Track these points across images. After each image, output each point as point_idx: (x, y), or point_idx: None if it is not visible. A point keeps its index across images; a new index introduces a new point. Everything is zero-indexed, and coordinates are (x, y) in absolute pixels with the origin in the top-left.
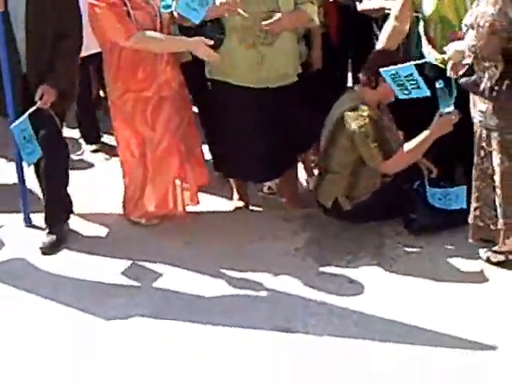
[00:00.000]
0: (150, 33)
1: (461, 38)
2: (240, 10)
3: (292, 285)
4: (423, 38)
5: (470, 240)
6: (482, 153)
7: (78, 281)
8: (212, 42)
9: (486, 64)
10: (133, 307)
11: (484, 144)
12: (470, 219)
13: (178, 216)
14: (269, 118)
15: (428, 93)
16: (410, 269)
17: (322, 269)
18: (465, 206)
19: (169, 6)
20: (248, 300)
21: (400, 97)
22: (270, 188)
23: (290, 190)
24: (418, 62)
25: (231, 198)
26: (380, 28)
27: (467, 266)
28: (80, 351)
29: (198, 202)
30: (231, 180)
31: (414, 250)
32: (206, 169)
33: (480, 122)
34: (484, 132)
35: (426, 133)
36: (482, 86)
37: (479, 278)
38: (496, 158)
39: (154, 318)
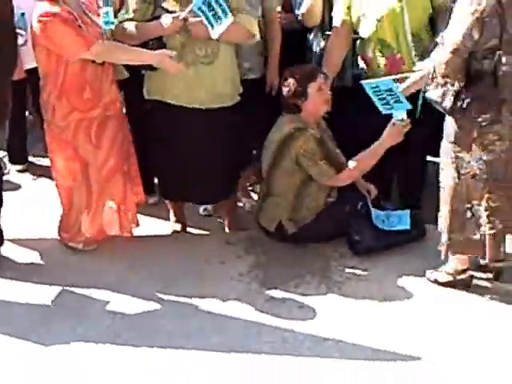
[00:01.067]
0: (114, 42)
1: (399, 64)
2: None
3: (241, 311)
4: (360, 59)
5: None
6: None
7: (17, 311)
8: (175, 53)
9: (448, 81)
10: (74, 336)
11: None
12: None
13: (122, 239)
14: (208, 139)
15: (409, 106)
16: (357, 291)
17: (269, 294)
18: (409, 227)
19: (111, 23)
20: (198, 326)
21: (383, 112)
22: (205, 209)
23: (229, 211)
24: (395, 76)
25: (168, 219)
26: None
27: (414, 286)
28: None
29: (137, 224)
30: (167, 202)
31: (360, 272)
32: (142, 188)
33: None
34: None
35: (378, 142)
36: (445, 102)
37: (427, 298)
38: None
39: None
